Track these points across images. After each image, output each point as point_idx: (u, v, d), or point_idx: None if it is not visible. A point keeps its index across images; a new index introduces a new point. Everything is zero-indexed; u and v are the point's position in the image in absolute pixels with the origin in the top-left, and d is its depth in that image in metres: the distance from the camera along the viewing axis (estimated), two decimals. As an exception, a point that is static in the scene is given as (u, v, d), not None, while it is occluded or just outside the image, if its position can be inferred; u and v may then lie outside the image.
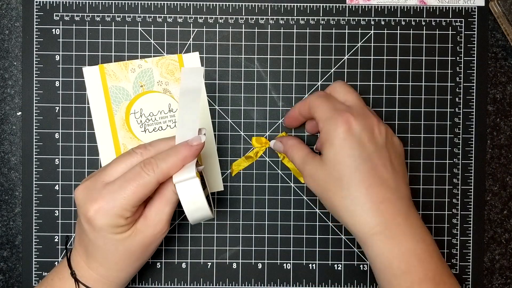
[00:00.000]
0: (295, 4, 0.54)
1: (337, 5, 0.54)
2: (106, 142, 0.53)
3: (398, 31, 0.54)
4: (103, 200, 0.42)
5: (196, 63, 0.53)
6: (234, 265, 0.54)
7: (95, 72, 0.52)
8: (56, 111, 0.54)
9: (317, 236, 0.54)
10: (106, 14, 0.54)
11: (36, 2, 0.53)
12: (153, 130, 0.52)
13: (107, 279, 0.46)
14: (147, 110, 0.52)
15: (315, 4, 0.54)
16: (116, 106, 0.52)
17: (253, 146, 0.53)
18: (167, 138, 0.46)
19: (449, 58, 0.54)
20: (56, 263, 0.54)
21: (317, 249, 0.54)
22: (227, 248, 0.54)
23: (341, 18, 0.54)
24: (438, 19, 0.54)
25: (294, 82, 0.54)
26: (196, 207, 0.44)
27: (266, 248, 0.54)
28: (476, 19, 0.54)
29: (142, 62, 0.52)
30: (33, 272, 0.54)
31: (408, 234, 0.44)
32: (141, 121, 0.52)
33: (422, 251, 0.44)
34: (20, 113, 0.54)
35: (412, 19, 0.54)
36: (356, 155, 0.45)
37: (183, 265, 0.54)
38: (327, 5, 0.54)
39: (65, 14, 0.53)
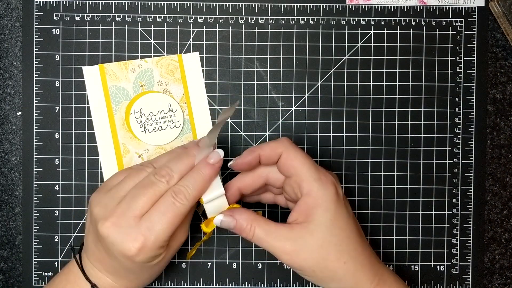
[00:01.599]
0: (295, 4, 0.54)
1: (337, 5, 0.54)
2: (106, 142, 0.53)
3: (398, 31, 0.54)
4: (145, 238, 0.42)
5: (196, 63, 0.53)
6: (234, 265, 0.54)
7: (95, 72, 0.52)
8: (56, 111, 0.54)
9: (317, 236, 0.54)
10: (106, 14, 0.54)
11: (36, 2, 0.53)
12: (153, 130, 0.52)
13: None
14: (147, 110, 0.52)
15: (315, 4, 0.54)
16: (116, 106, 0.52)
17: (204, 231, 0.47)
18: (182, 155, 0.45)
19: (449, 58, 0.54)
20: (56, 263, 0.54)
21: (317, 249, 0.54)
22: (227, 248, 0.54)
23: (341, 18, 0.54)
24: (438, 19, 0.54)
25: (294, 82, 0.54)
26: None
27: (266, 248, 0.54)
28: (476, 19, 0.54)
29: (142, 62, 0.52)
30: (33, 272, 0.54)
31: (390, 274, 0.46)
32: (141, 121, 0.52)
33: (401, 283, 0.47)
34: (20, 113, 0.54)
35: (412, 19, 0.54)
36: (346, 216, 0.44)
37: (183, 265, 0.54)
38: (327, 5, 0.54)
39: (65, 14, 0.53)
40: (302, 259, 0.43)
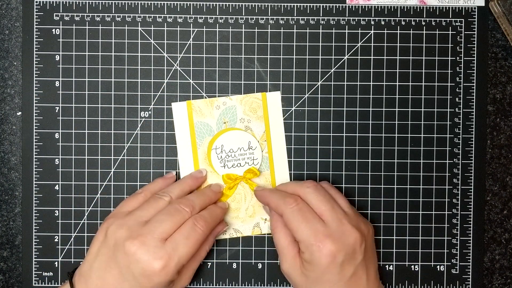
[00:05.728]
0: (295, 4, 0.54)
1: (337, 5, 0.54)
2: (188, 173, 0.54)
3: (398, 31, 0.54)
4: (169, 258, 0.46)
5: (277, 101, 0.54)
6: (234, 265, 0.54)
7: (183, 108, 0.53)
8: (56, 111, 0.54)
9: (317, 236, 0.54)
10: (106, 14, 0.54)
11: (36, 2, 0.53)
12: (232, 166, 0.53)
13: None
14: (227, 147, 0.53)
15: (315, 4, 0.54)
16: (200, 141, 0.53)
17: (224, 183, 0.54)
18: (206, 193, 0.51)
19: (449, 58, 0.54)
20: (56, 263, 0.54)
21: (317, 249, 0.54)
22: (227, 248, 0.54)
23: (341, 18, 0.54)
24: (438, 19, 0.54)
25: (294, 82, 0.54)
26: None
27: (266, 248, 0.54)
28: (476, 19, 0.54)
29: (227, 100, 0.53)
30: (33, 272, 0.54)
31: None
32: (221, 156, 0.53)
33: None
34: (20, 113, 0.54)
35: (412, 19, 0.54)
36: (336, 280, 0.47)
37: (183, 265, 0.54)
38: (327, 5, 0.54)
39: (65, 14, 0.54)
40: (288, 279, 0.50)
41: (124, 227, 0.47)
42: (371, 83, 0.54)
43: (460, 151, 0.54)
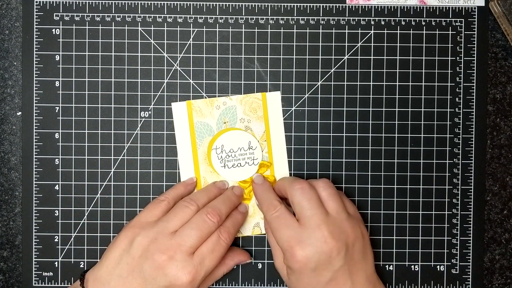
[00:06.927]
0: (295, 4, 0.54)
1: (337, 5, 0.54)
2: (189, 174, 0.54)
3: (398, 31, 0.54)
4: (197, 273, 0.47)
5: (277, 101, 0.54)
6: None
7: (183, 108, 0.53)
8: (56, 111, 0.54)
9: (317, 236, 0.54)
10: (106, 14, 0.54)
11: (36, 2, 0.53)
12: (232, 166, 0.53)
13: None
14: (227, 147, 0.53)
15: (315, 4, 0.54)
16: (200, 141, 0.53)
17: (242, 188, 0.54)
18: (232, 199, 0.52)
19: (449, 58, 0.54)
20: (56, 263, 0.54)
21: (317, 249, 0.54)
22: (227, 248, 0.54)
23: (341, 18, 0.54)
24: (438, 19, 0.54)
25: (294, 82, 0.54)
26: None
27: (266, 248, 0.54)
28: (476, 19, 0.54)
29: (227, 100, 0.53)
30: (33, 272, 0.54)
31: None
32: (221, 156, 0.53)
33: None
34: (20, 113, 0.54)
35: (412, 19, 0.54)
36: (314, 284, 0.47)
37: (183, 265, 0.54)
38: (327, 5, 0.54)
39: (65, 14, 0.54)
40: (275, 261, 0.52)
41: (151, 239, 0.47)
42: (371, 83, 0.54)
43: (460, 151, 0.54)
